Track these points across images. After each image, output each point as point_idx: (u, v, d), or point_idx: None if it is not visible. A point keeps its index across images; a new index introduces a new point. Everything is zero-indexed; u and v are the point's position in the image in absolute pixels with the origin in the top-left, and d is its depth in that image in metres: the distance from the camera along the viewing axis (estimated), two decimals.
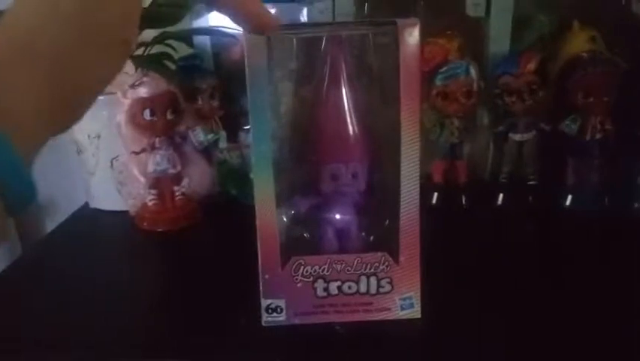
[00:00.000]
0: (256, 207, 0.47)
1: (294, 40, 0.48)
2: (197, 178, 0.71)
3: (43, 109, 0.26)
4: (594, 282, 0.55)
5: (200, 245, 0.66)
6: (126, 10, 0.29)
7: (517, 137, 0.69)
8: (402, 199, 0.47)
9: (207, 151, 0.73)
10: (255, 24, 0.39)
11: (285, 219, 0.50)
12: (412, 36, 0.45)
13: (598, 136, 0.67)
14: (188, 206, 0.70)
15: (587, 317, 0.49)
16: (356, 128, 0.48)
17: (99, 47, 0.28)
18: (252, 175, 0.70)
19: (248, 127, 0.72)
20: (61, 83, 0.27)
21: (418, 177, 0.47)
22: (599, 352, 0.46)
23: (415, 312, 0.49)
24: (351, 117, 0.48)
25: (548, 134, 0.69)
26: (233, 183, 0.74)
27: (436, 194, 0.71)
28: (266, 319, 0.49)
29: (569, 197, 0.69)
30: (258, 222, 0.47)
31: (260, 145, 0.46)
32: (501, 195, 0.70)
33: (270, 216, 0.47)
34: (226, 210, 0.72)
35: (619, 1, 0.73)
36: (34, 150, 0.26)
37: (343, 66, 0.47)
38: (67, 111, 0.28)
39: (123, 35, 0.29)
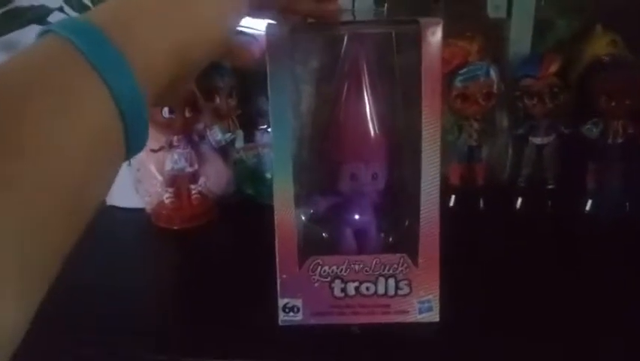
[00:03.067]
0: (275, 206, 0.47)
1: (316, 38, 0.48)
2: (214, 177, 0.71)
3: (167, 73, 0.31)
4: (615, 289, 0.54)
5: (216, 243, 0.66)
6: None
7: (537, 140, 0.68)
8: (422, 201, 0.46)
9: (224, 150, 0.73)
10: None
11: (303, 218, 0.50)
12: (435, 35, 0.44)
13: (620, 140, 0.66)
14: (205, 205, 0.70)
15: (608, 323, 0.49)
16: (376, 128, 0.48)
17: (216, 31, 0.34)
18: (268, 175, 0.71)
19: (264, 127, 0.72)
20: (183, 56, 0.32)
21: (439, 179, 0.46)
22: (618, 356, 0.45)
23: (434, 315, 0.49)
24: (371, 117, 0.48)
25: (569, 137, 0.68)
26: (249, 182, 0.74)
27: (453, 196, 0.70)
28: (282, 318, 0.49)
29: (589, 202, 0.67)
30: (276, 221, 0.47)
31: (280, 144, 0.46)
32: (520, 199, 0.69)
33: (289, 215, 0.47)
34: (242, 209, 0.72)
35: None
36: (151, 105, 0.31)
37: (365, 65, 0.47)
38: (181, 82, 0.34)
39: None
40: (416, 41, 0.44)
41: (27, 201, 0.23)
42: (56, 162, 0.25)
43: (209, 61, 0.35)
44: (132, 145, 0.29)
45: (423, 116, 0.45)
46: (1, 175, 0.22)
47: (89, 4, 0.70)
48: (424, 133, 0.45)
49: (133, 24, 0.29)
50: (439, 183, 0.46)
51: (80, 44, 0.26)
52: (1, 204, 0.22)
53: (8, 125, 0.23)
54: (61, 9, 0.70)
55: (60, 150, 0.25)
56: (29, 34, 0.70)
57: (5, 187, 0.22)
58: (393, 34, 0.47)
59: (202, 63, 0.35)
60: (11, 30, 0.70)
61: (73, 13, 0.70)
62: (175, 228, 0.68)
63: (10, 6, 0.72)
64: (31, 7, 0.70)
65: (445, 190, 0.68)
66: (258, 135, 0.73)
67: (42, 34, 0.28)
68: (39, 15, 0.68)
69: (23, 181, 0.23)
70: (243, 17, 0.37)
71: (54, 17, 0.69)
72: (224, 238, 0.68)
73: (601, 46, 0.69)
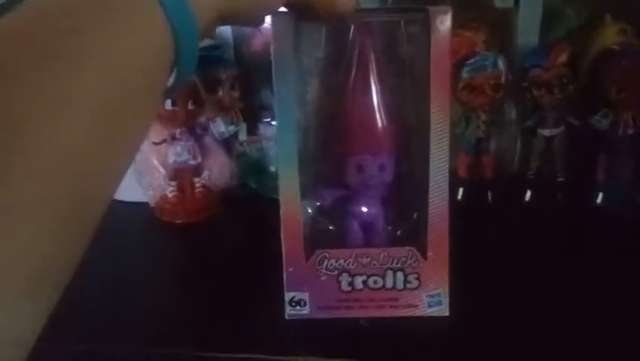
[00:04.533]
0: (280, 199, 0.46)
1: (322, 27, 0.47)
2: (217, 170, 0.70)
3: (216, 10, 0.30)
4: (625, 281, 0.53)
5: (221, 237, 0.65)
6: None
7: (546, 132, 0.67)
8: (430, 193, 0.46)
9: (227, 143, 0.72)
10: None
11: (309, 210, 0.49)
12: (444, 24, 0.43)
13: (630, 132, 0.65)
14: (208, 198, 0.69)
15: (618, 317, 0.48)
16: (384, 119, 0.47)
17: None
18: (272, 168, 0.70)
19: (268, 120, 0.72)
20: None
21: (447, 170, 0.46)
22: (629, 350, 0.44)
23: (443, 309, 0.48)
24: (379, 107, 0.47)
25: (578, 129, 0.67)
26: (253, 175, 0.73)
27: (461, 189, 0.69)
28: (289, 312, 0.48)
29: (600, 194, 0.66)
30: (282, 214, 0.46)
31: (285, 135, 0.45)
32: (529, 192, 0.68)
33: (295, 207, 0.46)
34: (246, 202, 0.71)
35: None
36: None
37: (372, 54, 0.46)
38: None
39: None
40: (424, 30, 0.44)
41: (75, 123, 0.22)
42: (112, 81, 0.24)
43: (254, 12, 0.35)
44: (182, 76, 0.29)
45: (432, 107, 0.44)
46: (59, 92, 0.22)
47: None
48: (432, 123, 0.44)
49: None
50: (447, 174, 0.46)
51: None
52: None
53: (63, 41, 0.23)
54: None
55: (117, 68, 0.24)
56: None
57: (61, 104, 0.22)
58: (402, 23, 0.46)
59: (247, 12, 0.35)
60: None
61: None
62: (179, 222, 0.67)
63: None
64: None
65: (453, 183, 0.67)
66: (262, 128, 0.73)
67: None
68: None
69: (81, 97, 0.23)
70: None
71: None
72: (228, 232, 0.67)
73: (610, 35, 0.68)
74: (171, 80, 0.29)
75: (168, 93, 0.30)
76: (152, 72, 0.26)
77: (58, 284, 0.24)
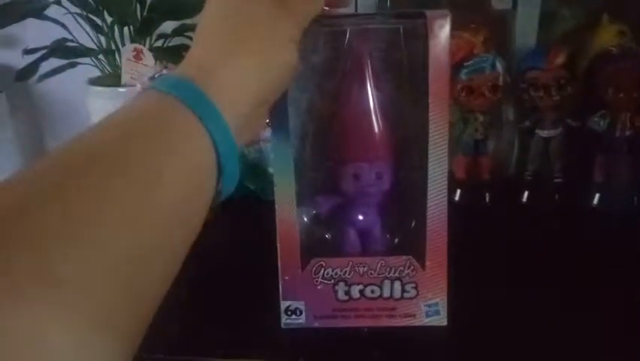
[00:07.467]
0: (276, 207, 0.46)
1: (318, 32, 0.46)
2: None
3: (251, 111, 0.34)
4: (623, 284, 0.53)
5: (218, 241, 0.65)
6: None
7: (543, 133, 0.67)
8: (429, 200, 0.45)
9: None
10: None
11: (305, 219, 0.49)
12: (443, 29, 0.42)
13: (628, 133, 0.65)
14: None
15: (616, 320, 0.48)
16: (381, 126, 0.46)
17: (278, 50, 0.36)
18: (271, 169, 0.70)
19: (266, 121, 0.71)
20: (261, 98, 0.35)
21: (446, 178, 0.45)
22: (626, 353, 0.44)
23: (441, 319, 0.47)
24: (375, 114, 0.46)
25: (576, 130, 0.67)
26: (251, 177, 0.73)
27: (459, 191, 0.69)
28: (285, 321, 0.48)
29: (597, 196, 0.67)
30: (278, 222, 0.46)
31: (280, 142, 0.45)
32: (526, 193, 0.69)
33: (291, 216, 0.46)
34: (244, 204, 0.71)
35: None
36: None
37: (368, 60, 0.46)
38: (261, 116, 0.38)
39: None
40: (423, 35, 0.43)
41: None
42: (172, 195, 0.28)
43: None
44: (222, 189, 0.33)
45: (430, 113, 0.43)
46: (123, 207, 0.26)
47: None
48: (431, 130, 0.44)
49: (218, 74, 0.32)
50: (446, 181, 0.45)
51: (182, 97, 0.30)
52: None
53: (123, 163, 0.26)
54: (58, 2, 0.68)
55: (172, 188, 0.28)
56: (27, 28, 0.69)
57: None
58: (401, 29, 0.45)
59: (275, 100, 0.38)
60: (9, 24, 0.68)
61: (72, 7, 0.69)
62: None
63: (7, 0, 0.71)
64: (29, 1, 0.69)
65: (451, 184, 0.67)
66: None
67: (142, 92, 0.31)
68: (36, 9, 0.67)
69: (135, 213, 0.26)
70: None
71: (51, 11, 0.68)
72: (226, 236, 0.67)
73: (608, 37, 0.68)
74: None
75: (215, 202, 0.33)
76: (202, 188, 0.30)
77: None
